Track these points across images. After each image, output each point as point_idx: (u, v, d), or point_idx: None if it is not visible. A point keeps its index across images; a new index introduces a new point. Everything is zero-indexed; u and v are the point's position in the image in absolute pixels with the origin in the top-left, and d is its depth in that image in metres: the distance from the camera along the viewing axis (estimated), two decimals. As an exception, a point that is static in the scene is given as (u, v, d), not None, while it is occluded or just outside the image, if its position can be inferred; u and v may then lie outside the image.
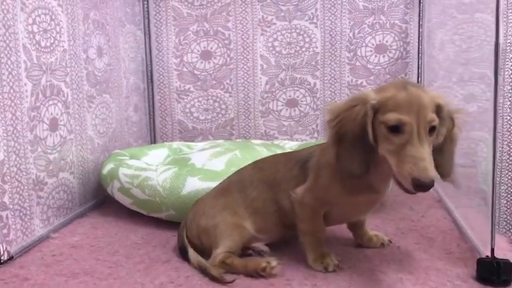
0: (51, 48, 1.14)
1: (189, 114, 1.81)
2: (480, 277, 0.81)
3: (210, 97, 1.80)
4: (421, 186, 0.70)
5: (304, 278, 0.84)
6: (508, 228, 1.59)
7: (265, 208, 0.93)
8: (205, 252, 0.91)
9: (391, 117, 0.74)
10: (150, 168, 1.17)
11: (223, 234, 0.90)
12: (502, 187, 1.58)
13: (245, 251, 0.93)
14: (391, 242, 0.98)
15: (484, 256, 0.83)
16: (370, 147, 0.77)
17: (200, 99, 1.80)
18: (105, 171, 1.24)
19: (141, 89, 1.76)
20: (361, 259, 0.92)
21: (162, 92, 1.81)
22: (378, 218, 1.16)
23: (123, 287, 0.83)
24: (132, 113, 1.67)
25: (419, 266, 0.87)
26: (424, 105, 0.74)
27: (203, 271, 0.86)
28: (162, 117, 1.82)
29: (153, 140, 1.82)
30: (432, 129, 0.75)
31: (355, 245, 0.99)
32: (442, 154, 0.80)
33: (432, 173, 0.71)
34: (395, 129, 0.74)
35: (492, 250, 0.81)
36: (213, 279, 0.84)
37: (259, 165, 0.98)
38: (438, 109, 0.77)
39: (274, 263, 0.85)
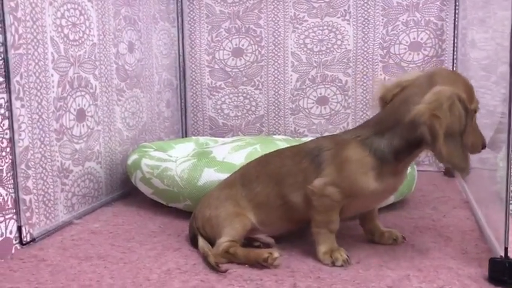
0: (80, 41, 1.19)
1: (219, 111, 1.83)
2: (491, 277, 0.77)
3: (240, 94, 1.81)
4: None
5: (309, 270, 0.84)
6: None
7: (269, 202, 0.92)
8: (212, 242, 0.92)
9: (476, 104, 0.84)
10: (170, 159, 1.19)
11: (225, 223, 0.90)
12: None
13: (252, 242, 0.93)
14: (404, 239, 0.96)
15: (498, 256, 0.80)
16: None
17: (231, 95, 1.82)
18: (130, 161, 1.27)
19: (173, 85, 1.79)
20: (371, 255, 0.90)
21: (194, 88, 1.84)
22: (397, 216, 1.13)
23: (132, 271, 0.85)
24: (164, 108, 1.71)
25: (430, 264, 0.85)
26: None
27: (205, 259, 0.88)
28: (194, 113, 1.85)
29: (184, 136, 1.85)
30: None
31: (367, 240, 0.97)
32: None
33: None
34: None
35: (506, 249, 0.78)
36: (211, 267, 0.85)
37: (264, 159, 0.98)
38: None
39: (276, 254, 0.85)
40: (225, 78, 1.81)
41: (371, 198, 0.89)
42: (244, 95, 1.81)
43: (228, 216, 0.91)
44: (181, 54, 1.81)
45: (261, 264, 0.84)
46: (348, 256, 0.86)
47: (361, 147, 0.84)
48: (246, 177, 0.97)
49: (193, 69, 1.83)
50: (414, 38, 1.68)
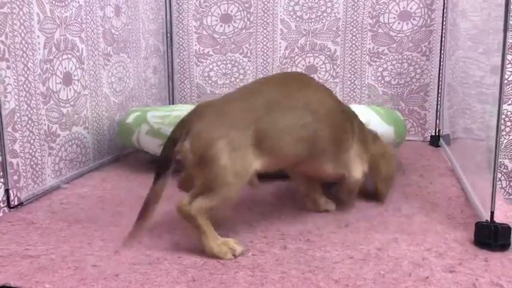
0: (66, 2, 1.15)
1: (207, 78, 1.82)
2: (477, 240, 0.79)
3: (228, 61, 1.79)
4: None
5: (299, 233, 0.85)
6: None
7: (309, 138, 0.82)
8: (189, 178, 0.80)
9: None
10: (179, 109, 1.25)
11: (232, 180, 0.74)
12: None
13: None
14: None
15: (483, 220, 0.81)
16: None
17: (219, 63, 1.80)
18: (129, 120, 1.27)
19: (161, 51, 1.76)
20: (359, 219, 0.92)
21: (181, 55, 1.82)
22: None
23: (122, 234, 0.85)
24: (151, 74, 1.69)
25: (417, 229, 0.86)
26: None
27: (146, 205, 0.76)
28: (181, 80, 1.83)
29: (172, 103, 1.84)
30: None
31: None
32: None
33: None
34: None
35: (492, 213, 0.79)
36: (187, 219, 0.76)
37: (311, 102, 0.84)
38: None
39: (239, 250, 0.76)
40: (213, 45, 1.79)
41: None
42: (233, 62, 1.79)
43: (241, 173, 0.75)
44: (168, 19, 1.78)
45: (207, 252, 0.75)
46: None
47: None
48: (280, 101, 0.81)
49: (181, 35, 1.80)
50: (404, 7, 1.67)
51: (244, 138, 0.76)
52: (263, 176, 0.86)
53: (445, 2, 1.62)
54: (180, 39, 1.80)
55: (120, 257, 0.76)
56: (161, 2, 1.75)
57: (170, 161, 0.75)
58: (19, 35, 0.99)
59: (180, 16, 1.79)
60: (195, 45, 1.80)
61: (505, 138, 1.54)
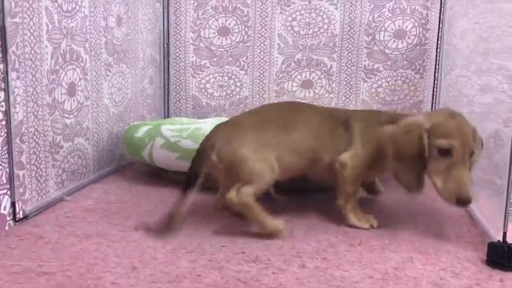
0: (73, 12, 1.14)
1: (203, 90, 1.81)
2: (490, 260, 0.81)
3: (225, 74, 1.80)
4: (463, 203, 0.86)
5: (315, 251, 0.85)
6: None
7: (301, 151, 0.99)
8: (226, 185, 0.96)
9: (444, 142, 0.87)
10: (197, 122, 1.28)
11: (260, 172, 0.92)
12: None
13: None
14: None
15: (493, 241, 0.83)
16: (424, 166, 0.90)
17: (215, 75, 1.80)
18: (139, 134, 1.26)
19: (157, 61, 1.76)
20: (371, 237, 0.93)
21: (177, 66, 1.81)
22: (391, 199, 1.16)
23: (136, 250, 0.84)
24: (148, 85, 1.68)
25: (429, 248, 0.88)
26: (469, 133, 0.89)
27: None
28: (177, 91, 1.83)
29: (167, 114, 1.83)
30: (472, 154, 0.89)
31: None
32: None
33: (471, 192, 0.86)
34: (445, 152, 0.87)
35: (504, 234, 0.81)
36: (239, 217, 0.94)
37: (296, 107, 1.05)
38: (474, 135, 0.91)
39: (281, 226, 0.91)
40: (210, 57, 1.79)
41: None
42: (229, 75, 1.79)
43: (265, 165, 0.93)
44: (165, 30, 1.77)
45: (261, 233, 0.90)
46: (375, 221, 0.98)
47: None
48: (281, 122, 0.99)
49: (178, 47, 1.80)
50: (399, 26, 1.71)
51: (260, 146, 0.94)
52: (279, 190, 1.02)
53: (440, 22, 1.66)
54: (177, 50, 1.80)
55: (138, 274, 0.75)
56: (159, 12, 1.74)
57: (198, 174, 0.91)
58: (29, 45, 0.98)
59: (178, 27, 1.78)
60: (192, 56, 1.80)
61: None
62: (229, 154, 0.93)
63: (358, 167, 0.98)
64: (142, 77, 1.62)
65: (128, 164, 1.47)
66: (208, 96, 1.81)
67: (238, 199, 0.90)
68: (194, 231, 0.94)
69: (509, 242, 0.81)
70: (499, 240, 0.82)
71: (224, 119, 1.46)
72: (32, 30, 0.99)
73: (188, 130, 1.22)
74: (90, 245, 0.86)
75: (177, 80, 1.82)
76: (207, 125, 1.23)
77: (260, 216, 0.90)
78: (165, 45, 1.79)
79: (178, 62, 1.81)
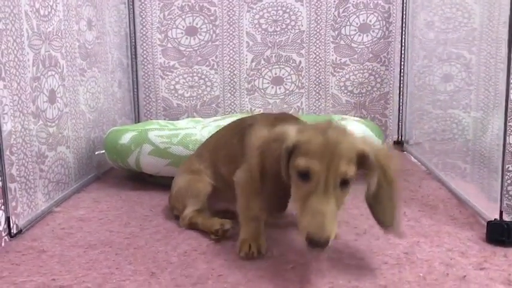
0: (49, 17, 1.10)
1: (173, 91, 1.79)
2: (490, 238, 0.86)
3: (195, 74, 1.78)
4: (314, 243, 0.64)
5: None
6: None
7: (215, 171, 0.99)
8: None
9: (301, 162, 0.69)
10: (187, 127, 1.25)
11: (186, 193, 0.97)
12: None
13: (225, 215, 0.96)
14: None
15: (491, 219, 0.88)
16: (288, 187, 0.72)
17: (185, 75, 1.78)
18: (123, 141, 1.23)
19: (124, 64, 1.72)
20: (373, 225, 0.95)
21: (145, 68, 1.78)
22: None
23: (147, 256, 0.83)
24: (117, 89, 1.64)
25: (430, 230, 0.92)
26: (339, 155, 0.68)
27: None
28: (146, 94, 1.80)
29: (137, 117, 1.79)
30: (345, 182, 0.69)
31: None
32: (381, 202, 0.74)
33: (328, 231, 0.65)
34: (305, 176, 0.69)
35: (501, 213, 0.86)
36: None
37: (219, 130, 1.06)
38: (363, 158, 0.71)
39: (227, 225, 0.89)
40: (179, 58, 1.77)
41: None
42: (199, 75, 1.78)
43: (187, 185, 0.97)
44: (131, 32, 1.74)
45: (213, 234, 0.89)
46: (260, 249, 0.81)
47: None
48: (201, 147, 1.06)
49: (145, 48, 1.77)
50: (364, 20, 1.76)
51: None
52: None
53: (404, 15, 1.72)
54: (144, 52, 1.77)
55: (158, 279, 0.74)
56: (124, 14, 1.70)
57: None
58: (12, 52, 0.94)
59: (144, 29, 1.75)
60: (160, 58, 1.77)
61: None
62: (171, 201, 1.03)
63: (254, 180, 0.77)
64: (111, 81, 1.58)
65: (108, 170, 1.44)
66: (179, 97, 1.80)
67: (184, 224, 0.96)
68: (198, 233, 0.93)
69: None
70: (495, 219, 0.87)
71: (197, 119, 1.46)
72: (14, 37, 0.94)
73: (178, 136, 1.21)
74: (98, 254, 0.84)
75: (146, 83, 1.79)
76: (198, 130, 1.22)
77: (203, 223, 0.93)
78: (132, 48, 1.75)
79: (146, 64, 1.78)
